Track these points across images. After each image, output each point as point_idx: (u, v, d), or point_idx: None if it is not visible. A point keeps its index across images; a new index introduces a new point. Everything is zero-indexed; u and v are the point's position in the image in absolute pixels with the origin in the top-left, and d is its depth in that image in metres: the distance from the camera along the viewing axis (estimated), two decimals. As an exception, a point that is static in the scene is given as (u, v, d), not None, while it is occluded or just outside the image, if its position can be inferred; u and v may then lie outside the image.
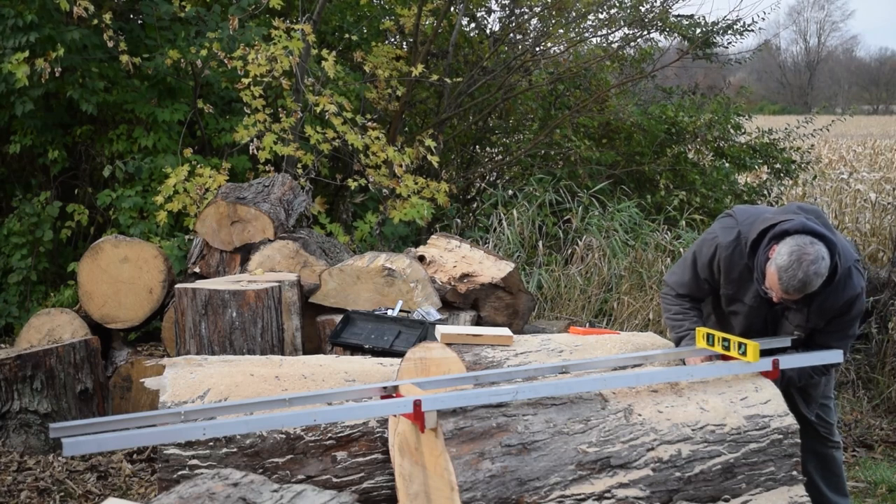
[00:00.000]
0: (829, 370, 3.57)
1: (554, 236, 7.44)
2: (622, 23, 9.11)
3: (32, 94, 6.40)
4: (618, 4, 9.15)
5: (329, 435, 3.38)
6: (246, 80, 6.35)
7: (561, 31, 9.45)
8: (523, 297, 5.24)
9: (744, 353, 3.24)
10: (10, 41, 6.30)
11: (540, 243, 7.23)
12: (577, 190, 7.93)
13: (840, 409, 5.39)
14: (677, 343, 3.56)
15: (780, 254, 3.14)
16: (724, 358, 3.36)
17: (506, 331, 3.53)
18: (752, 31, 9.29)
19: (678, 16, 9.14)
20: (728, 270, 3.43)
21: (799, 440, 3.21)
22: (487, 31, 9.50)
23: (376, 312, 4.75)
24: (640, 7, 8.97)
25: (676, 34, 9.11)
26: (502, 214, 7.37)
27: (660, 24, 9.03)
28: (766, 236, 3.25)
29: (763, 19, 9.38)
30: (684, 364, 3.44)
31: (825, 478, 3.69)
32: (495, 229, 7.25)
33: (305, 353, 4.83)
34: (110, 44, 6.40)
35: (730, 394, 3.24)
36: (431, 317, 4.73)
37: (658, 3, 9.02)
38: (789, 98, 45.40)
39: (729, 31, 9.17)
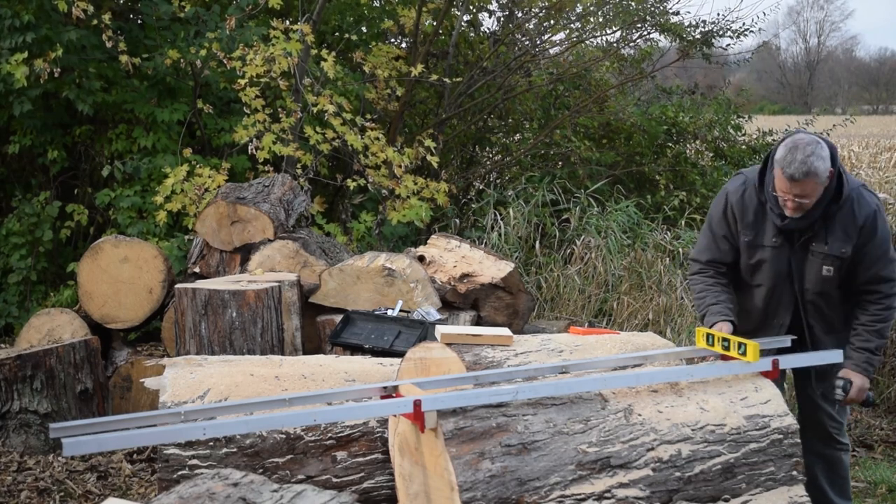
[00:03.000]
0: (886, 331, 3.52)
1: (552, 236, 7.44)
2: (622, 23, 9.10)
3: (31, 95, 6.40)
4: (619, 4, 9.14)
5: (329, 435, 3.38)
6: (243, 81, 6.35)
7: (561, 34, 9.46)
8: (523, 297, 5.24)
9: (744, 353, 3.24)
10: (6, 41, 6.30)
11: (538, 243, 7.23)
12: (572, 189, 7.93)
13: (840, 409, 5.39)
14: (702, 320, 3.58)
15: (778, 151, 3.29)
16: (724, 358, 3.36)
17: (506, 331, 3.53)
18: (752, 31, 9.29)
19: (675, 12, 9.13)
20: (742, 214, 3.50)
21: (799, 440, 3.21)
22: (487, 32, 9.50)
23: (376, 312, 4.75)
24: (641, 9, 8.97)
25: (675, 36, 9.10)
26: (499, 214, 7.37)
27: (659, 25, 9.02)
28: (769, 160, 3.40)
29: (763, 20, 9.34)
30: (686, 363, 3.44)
31: (831, 480, 3.68)
32: (493, 227, 7.25)
33: (305, 353, 4.83)
34: (109, 44, 6.40)
35: (730, 394, 3.24)
36: (431, 317, 4.73)
37: (658, 4, 9.02)
38: (789, 98, 45.36)
39: (728, 33, 9.17)
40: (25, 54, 6.13)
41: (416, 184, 6.62)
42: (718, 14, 9.79)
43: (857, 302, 3.52)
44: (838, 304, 3.55)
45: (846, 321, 3.58)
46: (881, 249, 3.42)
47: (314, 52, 6.73)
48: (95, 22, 6.36)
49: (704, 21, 9.12)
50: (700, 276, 3.66)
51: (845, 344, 3.59)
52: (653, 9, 9.00)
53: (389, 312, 4.76)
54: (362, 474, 3.39)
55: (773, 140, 9.46)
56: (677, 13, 9.11)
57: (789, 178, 3.26)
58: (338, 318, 4.75)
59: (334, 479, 3.34)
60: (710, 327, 3.47)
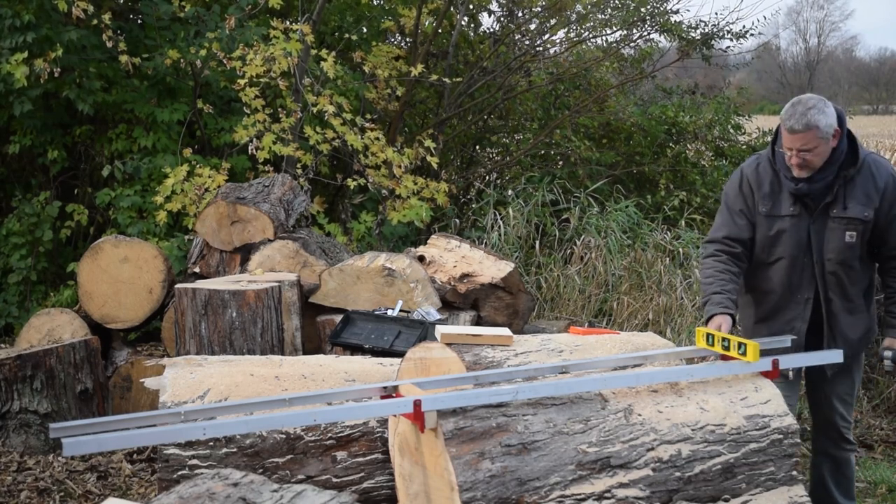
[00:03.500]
0: None
1: (552, 236, 7.44)
2: (622, 24, 9.11)
3: (31, 95, 6.40)
4: (619, 5, 9.15)
5: (329, 435, 3.38)
6: (242, 82, 6.35)
7: (561, 33, 9.47)
8: (523, 297, 5.23)
9: (744, 354, 3.24)
10: (7, 41, 6.30)
11: (538, 243, 7.23)
12: (572, 189, 7.93)
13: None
14: (703, 307, 3.56)
15: (783, 109, 3.39)
16: (725, 358, 3.36)
17: (506, 331, 3.53)
18: (752, 34, 9.30)
19: (675, 11, 9.15)
20: (759, 185, 3.54)
21: (798, 440, 3.21)
22: (487, 32, 9.51)
23: (376, 312, 4.75)
24: (641, 9, 8.97)
25: (676, 36, 9.11)
26: (499, 214, 7.37)
27: (658, 26, 9.03)
28: (779, 128, 3.46)
29: (763, 24, 9.37)
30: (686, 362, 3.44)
31: (837, 481, 3.69)
32: (493, 227, 7.25)
33: (305, 353, 4.83)
34: (110, 44, 6.40)
35: (730, 394, 3.24)
36: (431, 317, 4.72)
37: (658, 4, 9.03)
38: (789, 98, 44.99)
39: (728, 36, 9.18)
40: (25, 54, 6.13)
41: (415, 184, 6.62)
42: (717, 14, 9.83)
43: (886, 270, 3.55)
44: (859, 278, 3.53)
45: (866, 300, 3.58)
46: None
47: (314, 52, 6.73)
48: (95, 22, 6.36)
49: (704, 22, 9.15)
50: (712, 260, 3.58)
51: (865, 331, 3.59)
52: (653, 9, 9.01)
53: (389, 312, 4.76)
54: (362, 474, 3.39)
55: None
56: (677, 12, 9.13)
57: (790, 130, 3.32)
58: (338, 318, 4.75)
59: (334, 479, 3.34)
60: (708, 318, 3.44)
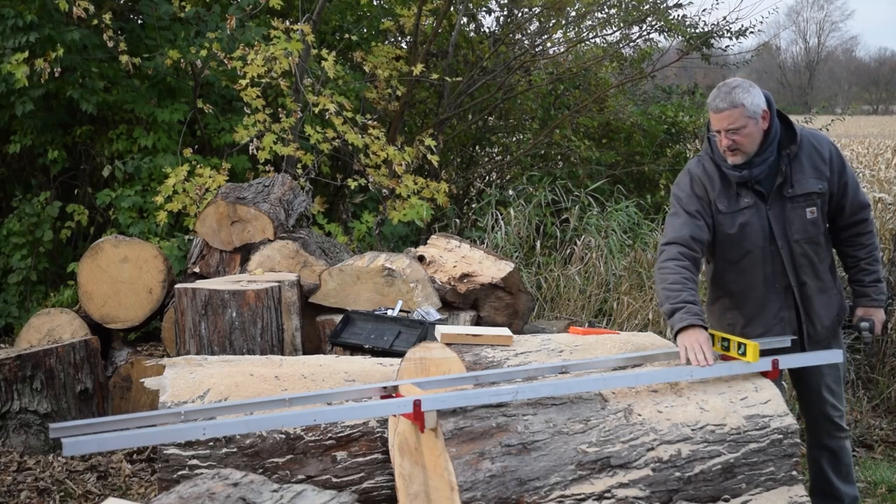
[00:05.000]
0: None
1: (552, 236, 7.44)
2: (621, 23, 9.11)
3: (32, 95, 6.40)
4: (618, 4, 9.16)
5: (329, 435, 3.38)
6: (243, 82, 6.35)
7: (561, 32, 9.47)
8: (523, 297, 5.23)
9: (743, 354, 3.24)
10: (9, 41, 6.31)
11: (538, 243, 7.23)
12: (573, 189, 7.93)
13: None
14: (671, 314, 3.28)
15: (709, 95, 3.42)
16: (725, 358, 3.36)
17: (506, 331, 3.53)
18: (752, 33, 9.31)
19: (675, 6, 9.11)
20: (711, 184, 3.51)
21: (798, 440, 3.21)
22: (487, 32, 9.52)
23: (376, 312, 4.75)
24: (641, 7, 8.98)
25: (676, 34, 9.11)
26: (499, 214, 7.38)
27: (659, 25, 9.04)
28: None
29: (761, 22, 9.40)
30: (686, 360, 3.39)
31: (837, 470, 3.69)
32: (493, 228, 7.25)
33: (305, 353, 4.83)
34: (110, 44, 6.40)
35: (730, 394, 3.24)
36: (431, 317, 4.72)
37: (659, 2, 9.03)
38: (789, 98, 45.34)
39: (727, 34, 9.18)
40: (26, 54, 6.13)
41: (416, 183, 6.62)
42: (716, 4, 9.86)
43: (844, 240, 3.56)
44: (825, 255, 3.53)
45: (833, 276, 3.58)
46: (853, 175, 3.51)
47: (314, 51, 6.73)
48: (96, 22, 6.37)
49: (706, 11, 9.18)
50: (675, 264, 3.35)
51: (838, 309, 3.59)
52: (653, 7, 9.01)
53: (389, 312, 4.76)
54: (362, 474, 3.39)
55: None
56: (681, 5, 9.05)
57: (715, 109, 3.34)
58: (338, 318, 4.75)
59: (334, 479, 3.34)
60: (683, 328, 3.24)
